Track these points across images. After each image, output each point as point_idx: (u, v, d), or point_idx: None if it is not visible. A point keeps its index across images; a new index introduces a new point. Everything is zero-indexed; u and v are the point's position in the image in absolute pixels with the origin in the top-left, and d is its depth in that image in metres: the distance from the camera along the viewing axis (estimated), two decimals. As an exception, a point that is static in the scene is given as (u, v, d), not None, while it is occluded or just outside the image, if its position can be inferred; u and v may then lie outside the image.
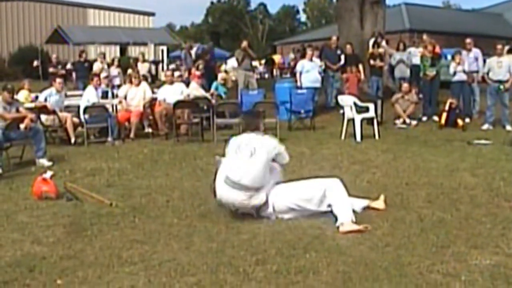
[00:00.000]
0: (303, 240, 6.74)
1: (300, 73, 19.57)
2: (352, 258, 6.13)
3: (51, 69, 24.89)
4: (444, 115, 17.27)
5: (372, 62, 20.47)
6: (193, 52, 26.10)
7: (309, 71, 19.44)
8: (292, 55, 34.55)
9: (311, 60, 19.92)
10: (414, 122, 17.87)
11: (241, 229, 7.19)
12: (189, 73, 22.09)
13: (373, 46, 21.24)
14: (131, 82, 17.38)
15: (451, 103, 17.43)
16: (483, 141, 14.21)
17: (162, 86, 17.92)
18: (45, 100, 15.23)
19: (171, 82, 17.16)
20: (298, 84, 19.39)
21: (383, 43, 21.84)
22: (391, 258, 6.12)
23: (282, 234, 7.02)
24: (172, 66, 26.27)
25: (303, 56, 22.20)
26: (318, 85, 19.64)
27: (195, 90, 17.77)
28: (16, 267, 6.04)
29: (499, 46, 17.50)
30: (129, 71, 22.05)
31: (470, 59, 18.74)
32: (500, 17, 52.37)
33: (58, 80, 15.95)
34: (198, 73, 20.77)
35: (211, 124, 15.97)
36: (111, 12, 51.22)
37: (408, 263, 5.96)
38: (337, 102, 17.92)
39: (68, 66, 27.71)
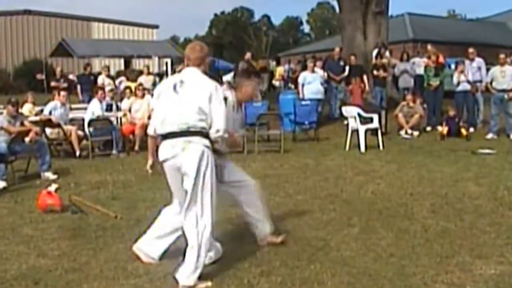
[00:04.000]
0: (307, 251, 6.76)
1: (302, 85, 19.60)
2: (356, 269, 6.14)
3: (52, 83, 24.92)
4: (444, 126, 17.30)
5: (375, 72, 20.46)
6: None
7: (311, 83, 19.46)
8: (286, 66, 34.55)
9: (313, 71, 19.96)
10: (416, 133, 17.88)
11: (245, 241, 7.20)
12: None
13: (376, 57, 21.23)
14: (135, 94, 17.42)
15: (448, 113, 17.50)
16: (487, 151, 14.22)
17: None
18: (50, 113, 15.27)
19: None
20: (301, 96, 19.41)
21: (387, 53, 21.84)
22: (396, 268, 6.13)
23: (287, 245, 7.04)
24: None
25: (304, 67, 22.28)
26: (320, 96, 19.62)
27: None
28: (22, 280, 6.05)
29: (502, 56, 17.52)
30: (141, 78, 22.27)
31: (473, 69, 18.75)
32: (504, 26, 52.32)
33: (62, 93, 15.99)
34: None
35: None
36: (115, 25, 51.40)
37: (413, 274, 5.97)
38: (341, 113, 17.94)
39: (71, 77, 27.74)
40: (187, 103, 5.76)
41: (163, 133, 5.90)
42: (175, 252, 6.65)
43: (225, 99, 5.95)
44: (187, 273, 5.76)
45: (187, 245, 5.82)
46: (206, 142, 5.80)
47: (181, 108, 5.78)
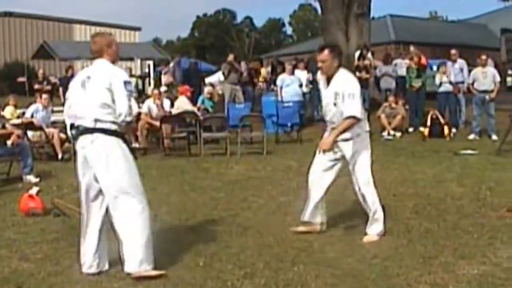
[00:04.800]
0: (291, 253, 6.76)
1: (281, 88, 19.55)
2: (340, 270, 6.15)
3: (36, 86, 24.84)
4: (427, 128, 17.38)
5: (358, 74, 20.47)
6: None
7: (289, 85, 19.43)
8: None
9: (293, 74, 19.95)
10: (398, 134, 17.95)
11: (229, 243, 7.19)
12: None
13: (358, 58, 21.29)
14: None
15: (431, 115, 17.57)
16: (469, 151, 14.28)
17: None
18: (32, 116, 15.19)
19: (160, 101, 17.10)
20: (279, 98, 19.34)
21: (369, 55, 21.90)
22: (379, 269, 6.14)
23: (270, 247, 7.04)
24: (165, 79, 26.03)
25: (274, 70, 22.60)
26: (298, 98, 19.47)
27: (184, 104, 17.76)
28: (4, 284, 6.01)
29: (483, 57, 17.61)
30: None
31: (456, 70, 18.87)
32: (485, 27, 52.64)
33: (44, 96, 15.92)
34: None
35: (198, 138, 15.97)
36: (97, 27, 50.89)
37: (396, 275, 5.98)
38: (323, 115, 17.94)
39: (53, 80, 27.63)
40: (93, 98, 5.93)
41: (77, 126, 6.07)
42: (157, 254, 6.64)
43: (127, 83, 6.01)
44: (130, 260, 5.92)
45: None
46: (114, 137, 5.97)
47: (88, 104, 5.96)
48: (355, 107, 7.05)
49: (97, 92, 5.89)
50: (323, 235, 7.52)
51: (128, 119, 5.99)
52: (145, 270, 5.86)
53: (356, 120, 7.06)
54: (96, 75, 6.00)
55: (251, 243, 7.23)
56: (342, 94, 7.10)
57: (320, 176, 7.67)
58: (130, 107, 5.96)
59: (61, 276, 6.22)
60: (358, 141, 7.25)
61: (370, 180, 7.40)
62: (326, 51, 7.22)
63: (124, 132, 6.08)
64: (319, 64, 7.36)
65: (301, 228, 7.71)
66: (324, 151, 7.18)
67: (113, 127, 5.92)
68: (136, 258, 5.84)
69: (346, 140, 7.24)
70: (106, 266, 6.29)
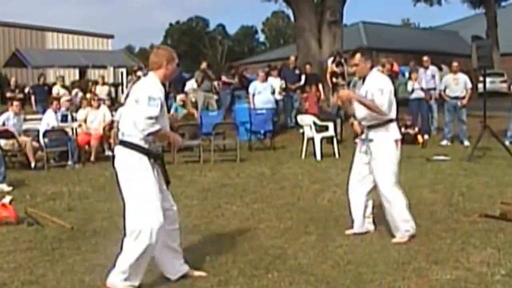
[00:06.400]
0: (265, 260, 6.76)
1: (253, 95, 19.48)
2: (314, 276, 6.16)
3: (8, 94, 24.69)
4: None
5: (334, 80, 20.54)
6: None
7: (261, 93, 19.36)
8: None
9: (266, 80, 19.88)
10: (370, 140, 18.00)
11: (203, 251, 7.18)
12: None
13: (337, 65, 21.26)
14: (90, 105, 17.33)
15: (404, 123, 17.64)
16: (441, 157, 14.38)
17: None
18: (3, 124, 15.09)
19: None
20: (251, 106, 19.28)
21: (342, 61, 21.96)
22: (353, 275, 6.16)
23: (244, 254, 7.03)
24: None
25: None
26: (271, 106, 19.40)
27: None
28: (-23, 294, 5.98)
29: (455, 64, 17.77)
30: (88, 95, 22.05)
31: (427, 77, 18.99)
32: (456, 34, 53.11)
33: (16, 103, 15.81)
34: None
35: (171, 146, 15.91)
36: (69, 35, 50.80)
37: (370, 280, 6.01)
38: (296, 122, 17.99)
39: (26, 89, 27.50)
40: (127, 113, 6.00)
41: None
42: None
43: (151, 98, 5.72)
44: (114, 272, 5.85)
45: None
46: (134, 151, 5.86)
47: (123, 118, 6.11)
48: (382, 100, 7.46)
49: (129, 106, 5.91)
50: (296, 242, 7.54)
51: (145, 132, 5.71)
52: (117, 283, 5.79)
53: (380, 112, 7.58)
54: (134, 90, 5.96)
55: (225, 250, 7.22)
56: (372, 90, 7.47)
57: (358, 184, 8.08)
58: (148, 119, 5.62)
59: (35, 285, 6.18)
60: (382, 147, 8.02)
61: (390, 185, 7.79)
62: (357, 55, 7.57)
63: (150, 148, 5.92)
64: (353, 68, 7.83)
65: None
66: (340, 99, 7.96)
67: (134, 140, 5.81)
68: (115, 270, 5.80)
69: (371, 140, 8.05)
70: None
